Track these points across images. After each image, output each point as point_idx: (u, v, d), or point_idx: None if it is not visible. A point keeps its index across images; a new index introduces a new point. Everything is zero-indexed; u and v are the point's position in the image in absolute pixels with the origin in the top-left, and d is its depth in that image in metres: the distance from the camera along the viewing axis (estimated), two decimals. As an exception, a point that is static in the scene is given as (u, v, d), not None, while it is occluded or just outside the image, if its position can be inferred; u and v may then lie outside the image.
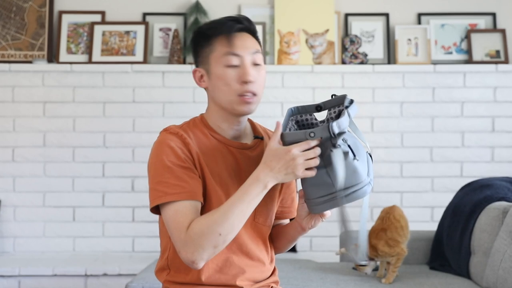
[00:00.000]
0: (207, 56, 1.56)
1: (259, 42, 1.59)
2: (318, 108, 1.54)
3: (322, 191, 1.44)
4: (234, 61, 1.52)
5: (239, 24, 1.54)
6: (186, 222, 1.43)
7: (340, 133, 1.39)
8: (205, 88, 1.60)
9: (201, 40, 1.57)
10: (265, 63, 3.68)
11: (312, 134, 1.39)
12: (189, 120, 1.62)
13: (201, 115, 1.63)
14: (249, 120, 1.68)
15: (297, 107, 1.55)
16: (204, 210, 1.51)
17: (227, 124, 1.58)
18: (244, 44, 1.53)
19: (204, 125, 1.59)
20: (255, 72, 1.53)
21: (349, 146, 1.42)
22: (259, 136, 1.64)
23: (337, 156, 1.39)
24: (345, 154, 1.40)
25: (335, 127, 1.37)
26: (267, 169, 1.41)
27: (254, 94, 1.53)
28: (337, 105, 1.52)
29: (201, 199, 1.49)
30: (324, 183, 1.42)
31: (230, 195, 1.48)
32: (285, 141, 1.42)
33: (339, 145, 1.39)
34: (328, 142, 1.39)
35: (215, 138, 1.58)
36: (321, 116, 1.56)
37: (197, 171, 1.51)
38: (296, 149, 1.38)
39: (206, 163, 1.53)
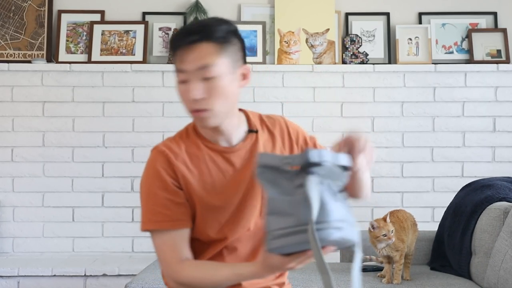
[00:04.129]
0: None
1: (227, 43, 1.47)
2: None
3: (285, 222, 1.27)
4: (182, 77, 1.45)
5: (190, 37, 1.44)
6: (172, 258, 1.47)
7: (319, 164, 1.28)
8: None
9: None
10: (265, 62, 3.70)
11: (289, 160, 1.31)
12: (183, 129, 1.60)
13: (193, 122, 1.59)
14: (243, 111, 1.64)
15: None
16: (199, 225, 1.53)
17: (210, 132, 1.56)
18: (191, 59, 1.43)
19: (196, 134, 1.58)
20: (203, 87, 1.44)
21: (328, 180, 1.31)
22: (253, 130, 1.60)
23: (312, 184, 1.26)
24: (322, 186, 1.29)
25: (315, 155, 1.28)
26: (268, 271, 1.41)
27: (204, 110, 1.45)
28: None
29: (189, 224, 1.51)
30: (284, 213, 1.27)
31: (230, 202, 1.49)
32: (259, 162, 1.33)
33: (315, 173, 1.28)
34: (304, 170, 1.29)
35: (207, 147, 1.56)
36: None
37: (182, 192, 1.50)
38: (294, 264, 1.36)
39: (198, 177, 1.51)
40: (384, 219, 2.48)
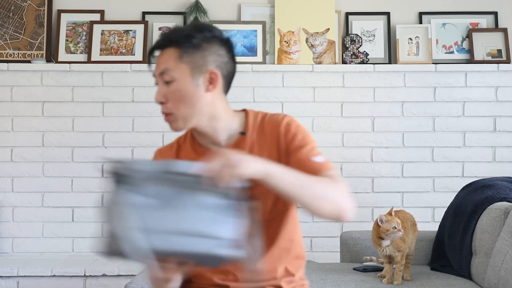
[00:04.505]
0: None
1: (191, 49, 1.49)
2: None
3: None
4: (155, 81, 1.53)
5: (159, 42, 1.53)
6: None
7: (129, 175, 1.25)
8: None
9: None
10: (265, 62, 3.69)
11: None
12: (183, 133, 1.64)
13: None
14: (245, 112, 1.64)
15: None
16: None
17: (198, 136, 1.61)
18: (157, 63, 1.52)
19: (191, 138, 1.62)
20: (165, 91, 1.49)
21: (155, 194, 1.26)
22: (243, 132, 1.60)
23: (114, 195, 1.26)
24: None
25: (122, 166, 1.25)
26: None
27: (168, 114, 1.50)
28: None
29: None
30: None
31: None
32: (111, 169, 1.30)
33: (123, 182, 1.25)
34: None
35: (195, 150, 1.60)
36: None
37: None
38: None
39: None
40: (390, 213, 2.49)
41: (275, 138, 1.58)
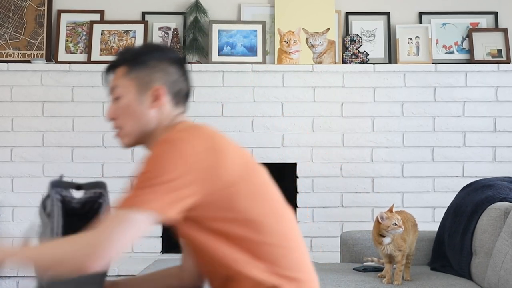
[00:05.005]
0: None
1: (131, 67, 1.51)
2: (78, 187, 1.57)
3: None
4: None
5: (110, 63, 1.55)
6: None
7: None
8: None
9: None
10: (265, 62, 3.69)
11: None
12: None
13: None
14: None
15: (59, 181, 1.56)
16: None
17: None
18: (109, 82, 1.55)
19: None
20: (113, 107, 1.52)
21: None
22: None
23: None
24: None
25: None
26: None
27: (117, 128, 1.53)
28: (97, 188, 1.56)
29: None
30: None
31: None
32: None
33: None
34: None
35: None
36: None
37: None
38: None
39: None
40: (391, 210, 2.48)
41: None
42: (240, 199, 1.38)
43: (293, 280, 1.43)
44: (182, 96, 1.56)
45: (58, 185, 1.53)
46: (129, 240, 1.29)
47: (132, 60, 1.52)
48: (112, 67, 1.54)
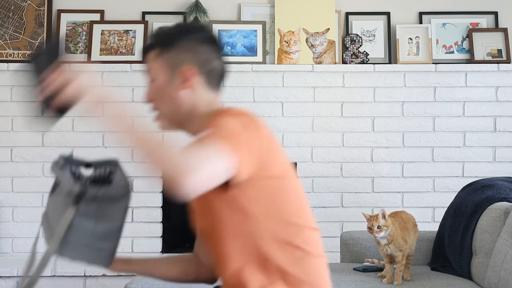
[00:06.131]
0: None
1: (162, 48, 1.50)
2: (88, 165, 1.57)
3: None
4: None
5: (145, 45, 1.56)
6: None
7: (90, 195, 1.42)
8: None
9: None
10: (265, 62, 3.69)
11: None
12: None
13: None
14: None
15: (69, 158, 1.56)
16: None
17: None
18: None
19: None
20: (149, 90, 1.53)
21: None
22: None
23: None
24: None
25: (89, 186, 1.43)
26: None
27: (155, 111, 1.55)
28: (107, 165, 1.55)
29: None
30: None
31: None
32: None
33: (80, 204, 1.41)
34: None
35: None
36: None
37: None
38: None
39: None
40: (383, 214, 2.47)
41: None
42: (284, 194, 1.43)
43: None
44: (215, 76, 1.52)
45: (68, 161, 1.53)
46: (213, 170, 1.24)
47: (162, 41, 1.51)
48: (146, 49, 1.53)
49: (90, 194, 1.40)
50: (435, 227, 3.10)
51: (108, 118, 1.34)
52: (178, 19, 3.80)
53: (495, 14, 3.82)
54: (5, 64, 3.67)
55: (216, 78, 1.52)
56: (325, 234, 3.60)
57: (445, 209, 3.00)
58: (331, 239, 3.57)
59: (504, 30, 3.78)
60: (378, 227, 2.44)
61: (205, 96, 1.50)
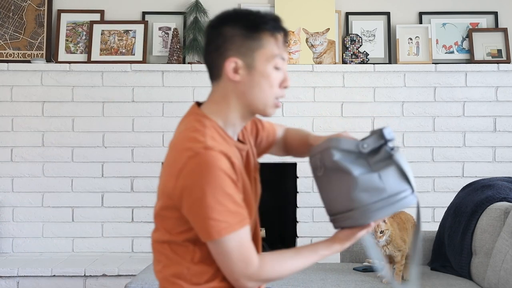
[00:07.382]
0: (252, 50, 1.46)
1: None
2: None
3: (379, 196, 1.45)
4: (280, 64, 1.47)
5: (281, 25, 1.52)
6: (252, 255, 1.39)
7: (391, 140, 1.46)
8: (232, 81, 1.46)
9: (245, 29, 1.51)
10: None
11: (365, 145, 1.46)
12: (206, 128, 1.43)
13: (206, 116, 1.47)
14: None
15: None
16: None
17: (244, 123, 1.52)
18: (286, 48, 1.51)
19: (221, 130, 1.47)
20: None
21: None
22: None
23: (400, 157, 1.44)
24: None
25: (388, 132, 1.44)
26: (342, 244, 1.52)
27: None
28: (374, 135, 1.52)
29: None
30: (377, 188, 1.44)
31: (248, 199, 1.47)
32: (338, 147, 1.48)
33: (394, 147, 1.45)
34: (381, 149, 1.46)
35: (229, 143, 1.47)
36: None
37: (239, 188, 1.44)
38: (363, 233, 1.50)
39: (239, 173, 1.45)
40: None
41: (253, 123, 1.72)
42: None
43: None
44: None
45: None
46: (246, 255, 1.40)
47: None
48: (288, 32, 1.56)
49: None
50: (435, 227, 3.10)
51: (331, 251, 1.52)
52: (178, 19, 3.80)
53: (495, 14, 3.82)
54: (5, 64, 3.67)
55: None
56: (325, 234, 3.60)
57: (445, 209, 3.00)
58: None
59: (504, 30, 3.78)
60: (381, 232, 2.45)
61: None
